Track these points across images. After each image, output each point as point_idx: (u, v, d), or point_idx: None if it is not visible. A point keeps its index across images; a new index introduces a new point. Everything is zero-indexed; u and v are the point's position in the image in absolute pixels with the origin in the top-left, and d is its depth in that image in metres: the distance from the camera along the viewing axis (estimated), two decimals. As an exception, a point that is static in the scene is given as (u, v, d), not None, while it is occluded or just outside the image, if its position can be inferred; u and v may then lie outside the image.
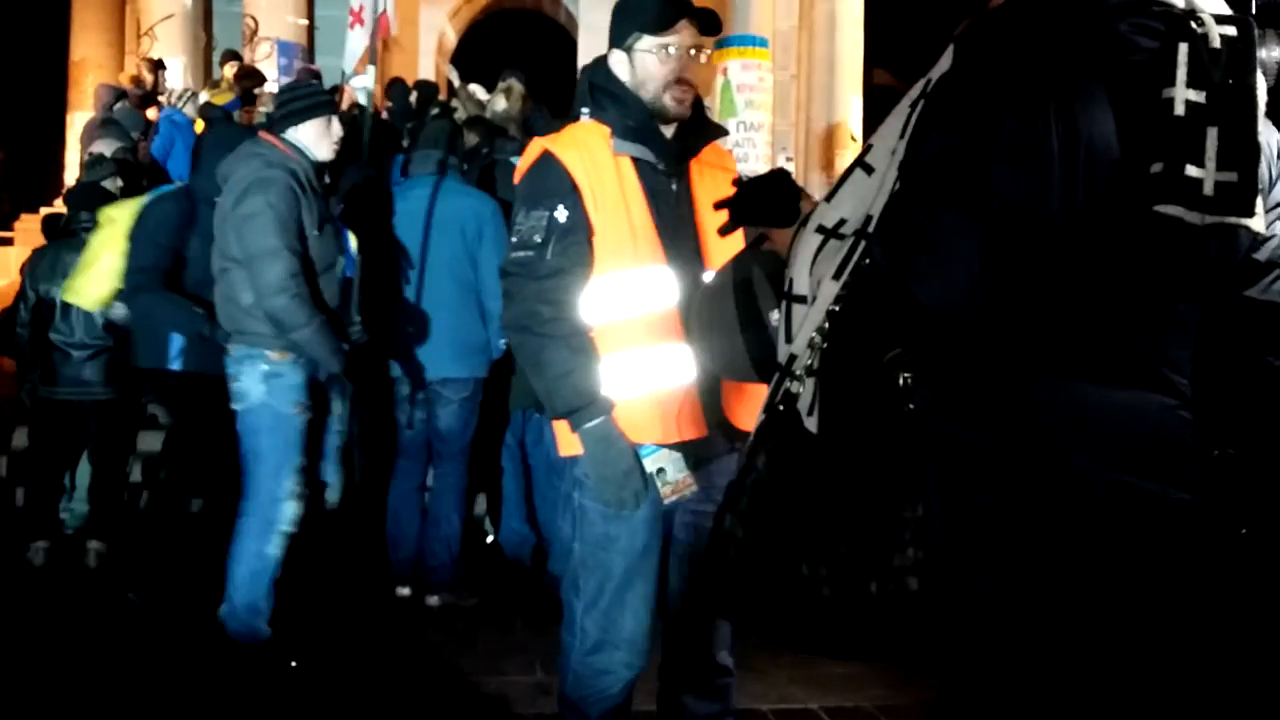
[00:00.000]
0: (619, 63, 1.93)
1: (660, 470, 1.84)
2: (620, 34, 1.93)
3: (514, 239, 1.88)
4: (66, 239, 4.14)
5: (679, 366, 1.86)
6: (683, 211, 1.92)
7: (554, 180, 1.86)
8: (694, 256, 1.91)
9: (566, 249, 1.84)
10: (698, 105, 1.97)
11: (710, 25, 1.93)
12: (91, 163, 4.58)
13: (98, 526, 4.16)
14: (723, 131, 2.05)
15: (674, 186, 1.93)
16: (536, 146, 1.94)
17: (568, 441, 1.90)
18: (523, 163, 1.95)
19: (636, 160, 1.90)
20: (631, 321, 1.86)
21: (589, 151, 1.88)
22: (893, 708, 2.84)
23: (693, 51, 1.90)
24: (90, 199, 4.18)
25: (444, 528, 3.67)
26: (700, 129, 1.97)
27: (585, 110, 1.94)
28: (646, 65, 1.89)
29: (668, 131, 1.94)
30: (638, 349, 1.86)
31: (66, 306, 4.00)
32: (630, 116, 1.90)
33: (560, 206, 1.84)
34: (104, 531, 4.15)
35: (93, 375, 4.05)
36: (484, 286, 3.58)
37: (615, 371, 1.85)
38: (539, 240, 1.83)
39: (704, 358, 1.77)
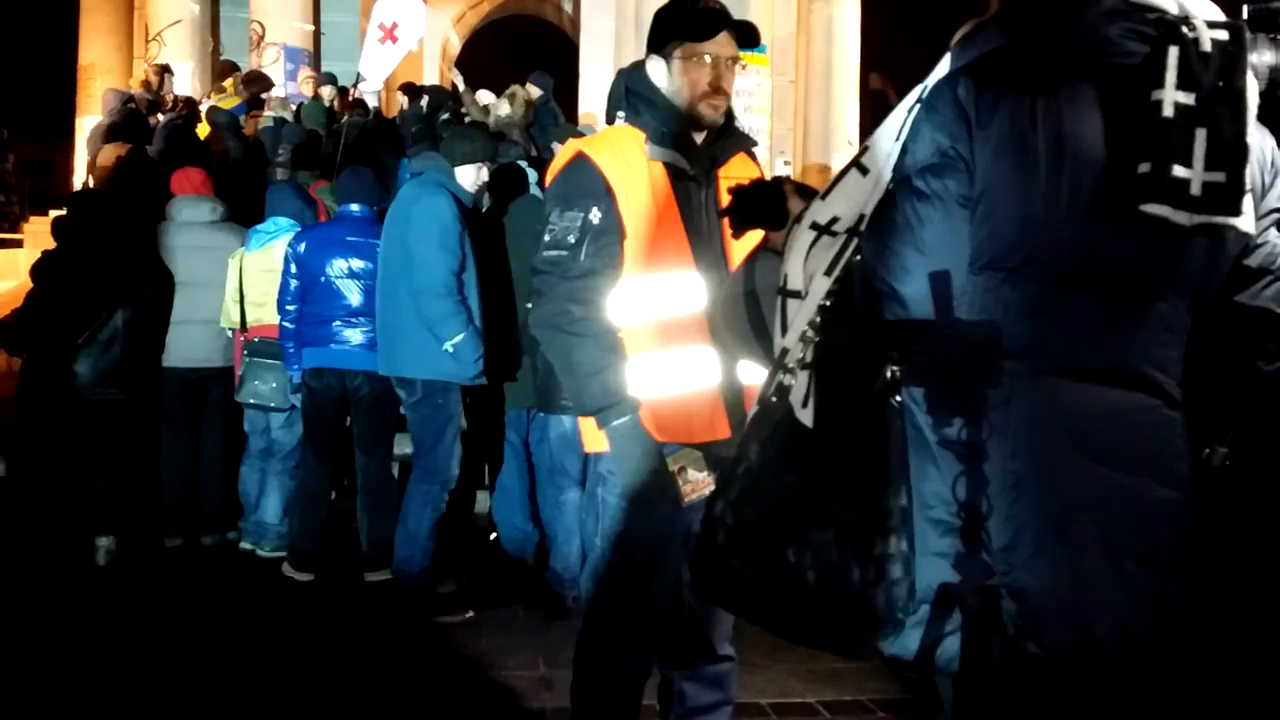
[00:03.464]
0: (657, 69, 1.95)
1: (681, 469, 1.88)
2: (659, 40, 1.94)
3: (546, 238, 1.91)
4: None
5: (704, 368, 1.90)
6: (710, 218, 1.96)
7: (588, 182, 1.89)
8: (720, 262, 1.95)
9: (599, 250, 1.88)
10: (728, 115, 2.00)
11: (749, 37, 1.96)
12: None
13: (109, 524, 4.18)
14: (752, 142, 2.09)
15: (703, 193, 1.97)
16: (571, 148, 1.97)
17: (594, 438, 1.93)
18: (556, 164, 1.98)
19: (669, 166, 1.93)
20: (659, 323, 1.90)
21: (623, 155, 1.92)
22: (890, 701, 2.87)
23: (729, 62, 1.93)
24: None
25: (411, 524, 3.62)
26: (730, 139, 2.01)
27: (621, 114, 1.98)
28: (685, 73, 1.91)
29: (699, 139, 1.98)
30: (665, 350, 1.89)
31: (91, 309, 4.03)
32: (665, 122, 1.93)
33: (594, 208, 1.87)
34: (115, 529, 4.17)
35: (109, 375, 4.06)
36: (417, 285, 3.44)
37: (642, 371, 1.88)
38: (573, 241, 1.87)
39: (728, 361, 1.83)
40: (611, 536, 1.94)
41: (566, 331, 1.88)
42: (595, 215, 1.87)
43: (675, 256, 1.91)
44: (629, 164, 1.91)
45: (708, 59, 1.91)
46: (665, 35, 1.94)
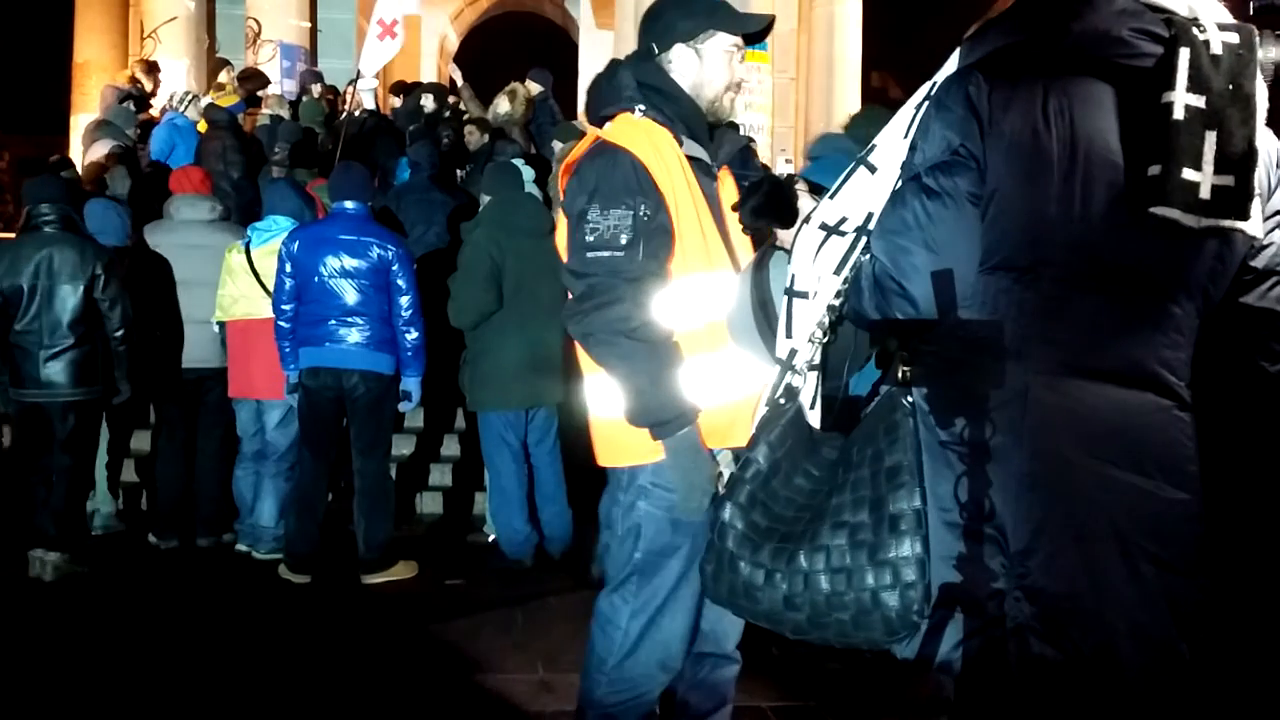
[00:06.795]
0: (683, 59, 1.85)
1: (719, 474, 1.78)
2: (690, 29, 1.84)
3: (589, 238, 1.76)
4: (30, 234, 3.92)
5: (752, 370, 1.80)
6: (721, 216, 1.89)
7: (633, 178, 1.77)
8: (735, 260, 1.87)
9: (655, 251, 1.76)
10: None
11: (764, 32, 1.91)
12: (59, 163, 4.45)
13: (60, 538, 3.86)
14: (742, 140, 2.04)
15: (714, 190, 1.89)
16: (598, 139, 1.84)
17: (627, 450, 1.82)
18: (578, 154, 1.86)
19: (694, 162, 1.84)
20: (709, 326, 1.81)
21: (658, 150, 1.81)
22: (894, 704, 2.84)
23: (740, 55, 1.89)
24: (52, 192, 3.98)
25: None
26: (728, 133, 1.95)
27: (641, 107, 1.84)
28: (718, 64, 1.83)
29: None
30: (716, 353, 1.81)
31: (30, 304, 3.80)
32: (689, 117, 1.85)
33: (643, 205, 1.76)
34: (67, 543, 3.87)
35: (59, 376, 3.83)
36: None
37: (696, 378, 1.79)
38: (625, 241, 1.74)
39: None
40: (654, 550, 1.83)
41: (631, 338, 1.73)
42: (645, 212, 1.75)
43: (717, 256, 1.83)
44: (665, 159, 1.81)
45: (738, 51, 1.85)
46: (696, 24, 1.84)
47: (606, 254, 1.75)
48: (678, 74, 1.87)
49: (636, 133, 1.83)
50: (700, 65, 1.86)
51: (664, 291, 1.79)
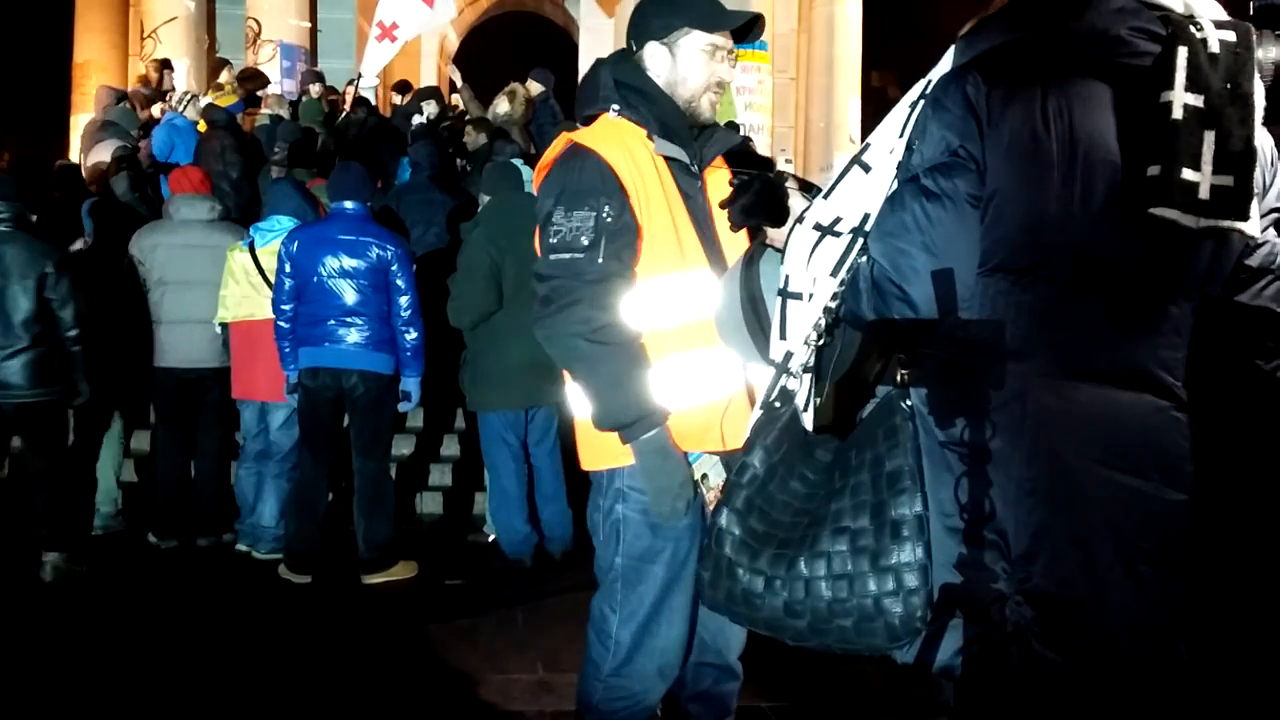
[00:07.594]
0: (656, 56, 1.83)
1: (703, 476, 1.78)
2: (662, 27, 1.83)
3: (552, 240, 1.75)
4: None
5: (728, 372, 1.79)
6: (705, 215, 1.87)
7: (598, 178, 1.75)
8: (721, 260, 1.85)
9: (618, 251, 1.74)
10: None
11: (755, 32, 1.88)
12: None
13: (54, 538, 3.85)
14: (736, 140, 2.00)
15: (698, 189, 1.87)
16: (566, 141, 1.83)
17: (604, 453, 1.81)
18: (550, 157, 1.85)
19: (670, 160, 1.82)
20: (682, 326, 1.79)
21: (628, 149, 1.79)
22: (895, 705, 2.84)
23: (728, 54, 1.86)
24: (3, 190, 3.86)
25: None
26: (716, 134, 1.93)
27: (615, 107, 1.83)
28: (692, 63, 1.81)
29: (692, 134, 1.88)
30: (688, 355, 1.79)
31: None
32: (666, 116, 1.82)
33: (607, 206, 1.74)
34: (62, 543, 3.86)
35: (15, 377, 3.74)
36: None
37: (668, 379, 1.77)
38: (586, 242, 1.72)
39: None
40: (634, 556, 1.83)
41: (590, 340, 1.72)
42: (608, 213, 1.73)
43: (692, 255, 1.82)
44: (635, 159, 1.78)
45: (717, 50, 1.83)
46: (673, 21, 1.82)
47: (567, 256, 1.74)
48: (653, 72, 1.84)
49: (609, 133, 1.81)
50: (673, 63, 1.83)
51: (632, 292, 1.77)
